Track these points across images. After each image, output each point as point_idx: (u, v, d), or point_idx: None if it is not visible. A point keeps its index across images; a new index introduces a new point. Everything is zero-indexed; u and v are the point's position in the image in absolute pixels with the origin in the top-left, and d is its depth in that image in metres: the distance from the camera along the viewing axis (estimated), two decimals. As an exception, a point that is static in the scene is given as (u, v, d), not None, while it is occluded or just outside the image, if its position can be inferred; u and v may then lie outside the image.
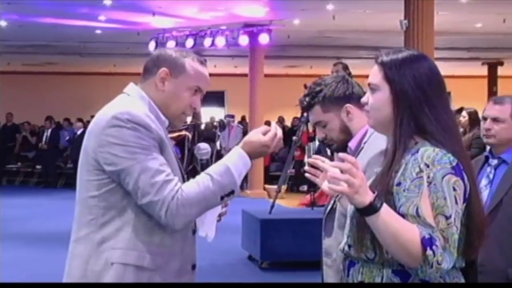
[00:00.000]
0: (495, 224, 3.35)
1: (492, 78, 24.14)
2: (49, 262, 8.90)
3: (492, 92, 23.60)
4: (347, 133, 3.08)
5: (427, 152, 2.21)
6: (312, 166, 2.80)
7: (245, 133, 17.26)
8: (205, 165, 2.76)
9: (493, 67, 24.02)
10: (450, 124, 2.31)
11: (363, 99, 2.41)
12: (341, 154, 2.19)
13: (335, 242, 3.03)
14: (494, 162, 3.72)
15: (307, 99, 3.12)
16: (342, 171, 2.15)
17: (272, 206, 8.69)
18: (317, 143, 9.18)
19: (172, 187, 2.47)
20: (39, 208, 13.85)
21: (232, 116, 18.31)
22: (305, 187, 13.51)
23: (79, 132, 19.34)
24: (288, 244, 8.27)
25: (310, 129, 9.56)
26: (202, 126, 19.79)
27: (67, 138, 19.95)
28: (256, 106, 16.63)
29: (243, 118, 21.84)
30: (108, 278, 2.52)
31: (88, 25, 16.18)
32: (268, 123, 19.41)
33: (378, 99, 2.33)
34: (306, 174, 2.84)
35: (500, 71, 24.13)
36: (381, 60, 2.35)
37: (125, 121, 2.50)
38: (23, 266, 8.36)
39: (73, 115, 21.86)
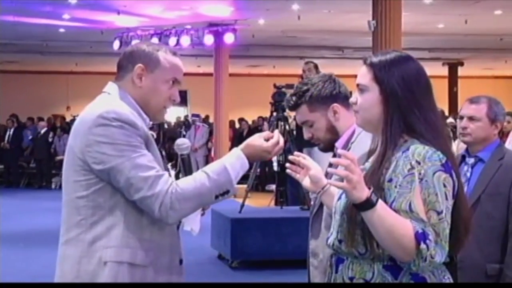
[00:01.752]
0: (473, 221, 3.41)
1: (453, 79, 24.47)
2: (11, 262, 8.80)
3: (452, 92, 23.95)
4: (334, 133, 3.09)
5: (417, 149, 2.26)
6: (292, 163, 2.84)
7: (210, 132, 17.29)
8: (186, 160, 2.79)
9: (453, 67, 24.35)
10: (438, 124, 2.36)
11: (352, 100, 2.45)
12: (340, 151, 2.23)
13: (322, 243, 3.04)
14: (471, 160, 3.79)
15: (293, 98, 3.13)
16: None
17: (242, 205, 8.72)
18: (286, 143, 9.22)
19: (165, 181, 2.49)
20: (0, 208, 13.65)
21: (198, 116, 18.29)
22: (271, 186, 13.53)
23: (42, 131, 19.17)
24: (258, 243, 8.30)
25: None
26: (166, 126, 19.72)
27: (30, 137, 19.73)
28: (221, 105, 16.63)
29: (207, 117, 21.82)
30: (102, 277, 2.51)
31: (51, 23, 16.03)
32: (232, 122, 19.20)
33: (368, 99, 2.36)
34: (287, 170, 2.87)
35: (461, 71, 24.47)
36: (370, 62, 2.38)
37: (111, 120, 2.50)
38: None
39: (33, 114, 21.64)
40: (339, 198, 2.41)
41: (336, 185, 2.20)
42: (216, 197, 2.57)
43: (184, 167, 2.72)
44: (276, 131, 2.75)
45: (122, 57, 2.73)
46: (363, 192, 2.16)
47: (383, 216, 2.17)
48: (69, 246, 2.58)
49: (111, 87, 2.70)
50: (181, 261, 2.71)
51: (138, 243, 2.55)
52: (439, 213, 2.21)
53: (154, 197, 2.46)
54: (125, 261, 2.53)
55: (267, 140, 2.67)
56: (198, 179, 2.55)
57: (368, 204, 2.17)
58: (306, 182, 2.81)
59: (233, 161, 2.61)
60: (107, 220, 2.53)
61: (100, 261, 2.52)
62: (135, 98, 2.66)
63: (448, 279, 2.35)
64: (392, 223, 2.18)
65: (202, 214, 2.85)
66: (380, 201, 2.19)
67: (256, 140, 2.67)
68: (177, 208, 2.49)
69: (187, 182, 2.54)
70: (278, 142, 2.68)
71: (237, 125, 21.41)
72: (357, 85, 2.41)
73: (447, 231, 2.23)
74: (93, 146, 2.50)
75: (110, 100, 2.63)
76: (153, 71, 2.66)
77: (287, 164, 2.85)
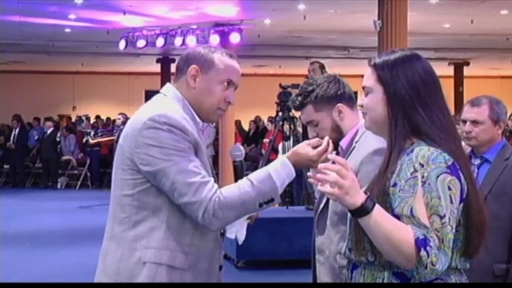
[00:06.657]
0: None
1: (458, 78, 24.39)
2: (17, 262, 8.82)
3: (458, 92, 23.89)
4: (339, 132, 3.11)
5: (422, 151, 2.20)
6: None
7: (217, 132, 17.29)
8: (238, 166, 2.83)
9: (459, 67, 24.27)
10: (446, 123, 2.28)
11: (359, 102, 2.44)
12: (330, 156, 2.20)
13: (328, 240, 3.07)
14: (476, 161, 3.79)
15: (299, 98, 3.16)
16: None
17: (248, 205, 8.73)
18: (291, 143, 9.24)
19: (209, 188, 2.51)
20: (6, 208, 13.69)
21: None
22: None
23: (49, 131, 19.20)
24: (264, 243, 8.30)
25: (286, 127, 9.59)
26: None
27: (36, 137, 19.76)
28: (227, 105, 16.59)
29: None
30: (141, 277, 2.56)
31: (57, 23, 16.04)
32: (238, 122, 19.09)
33: (372, 100, 2.34)
34: (310, 180, 2.85)
35: (466, 71, 24.41)
36: (373, 63, 2.36)
37: (161, 124, 2.53)
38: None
39: (39, 114, 21.67)
40: None
41: (326, 191, 2.14)
42: (260, 205, 2.56)
43: (235, 173, 2.73)
44: (326, 138, 2.72)
45: (179, 59, 2.78)
46: (358, 198, 2.12)
47: (379, 222, 2.12)
48: (112, 242, 2.64)
49: (168, 89, 2.74)
50: (220, 267, 2.74)
51: (178, 246, 2.58)
52: (442, 217, 2.14)
53: (198, 203, 2.48)
54: (164, 263, 2.56)
55: (316, 147, 2.66)
56: (242, 187, 2.55)
57: (363, 210, 2.12)
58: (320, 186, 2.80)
59: (278, 168, 2.60)
60: (149, 221, 2.58)
61: (140, 260, 2.57)
62: (189, 99, 2.69)
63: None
64: (390, 229, 2.12)
65: (249, 223, 2.86)
66: (377, 206, 2.14)
67: (303, 148, 2.67)
68: (220, 216, 2.50)
69: (231, 191, 2.54)
70: (326, 150, 2.66)
71: (246, 125, 21.47)
72: (363, 87, 2.39)
73: (451, 236, 2.16)
74: (142, 148, 2.54)
75: (165, 102, 2.67)
76: (207, 72, 2.69)
77: (309, 174, 2.84)
